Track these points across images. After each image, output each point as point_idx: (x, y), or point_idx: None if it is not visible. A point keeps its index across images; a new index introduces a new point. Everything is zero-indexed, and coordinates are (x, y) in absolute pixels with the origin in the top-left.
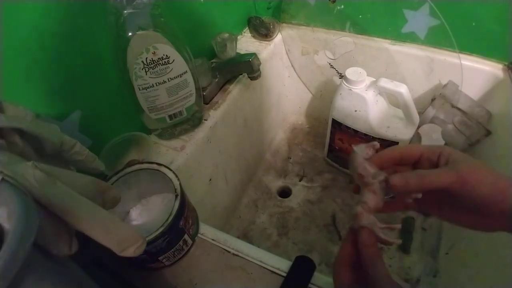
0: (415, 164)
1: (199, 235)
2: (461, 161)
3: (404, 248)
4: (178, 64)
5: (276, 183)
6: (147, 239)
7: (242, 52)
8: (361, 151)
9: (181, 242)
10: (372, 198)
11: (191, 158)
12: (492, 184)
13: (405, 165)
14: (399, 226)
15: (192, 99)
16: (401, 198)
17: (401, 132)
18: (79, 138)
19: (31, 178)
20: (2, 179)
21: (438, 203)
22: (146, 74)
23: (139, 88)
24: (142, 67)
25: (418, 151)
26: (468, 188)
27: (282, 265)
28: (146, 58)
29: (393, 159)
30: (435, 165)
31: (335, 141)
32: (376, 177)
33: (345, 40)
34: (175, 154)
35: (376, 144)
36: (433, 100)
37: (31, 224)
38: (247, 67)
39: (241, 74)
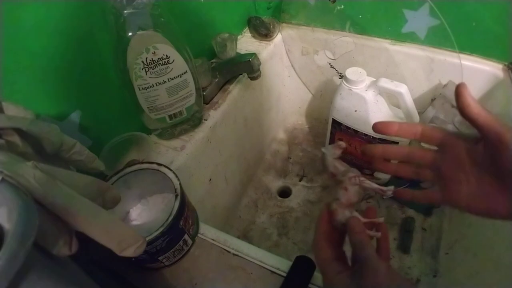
0: None
1: (199, 235)
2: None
3: (404, 248)
4: (178, 64)
5: (276, 183)
6: (147, 239)
7: (242, 52)
8: (329, 151)
9: (181, 242)
10: (343, 194)
11: (191, 158)
12: None
13: None
14: (381, 219)
15: (192, 99)
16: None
17: None
18: (79, 138)
19: (31, 178)
20: (2, 179)
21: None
22: (146, 74)
23: (139, 88)
24: (142, 67)
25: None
26: (504, 145)
27: (282, 265)
28: (146, 58)
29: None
30: None
31: (335, 141)
32: (345, 174)
33: (345, 40)
34: (175, 154)
35: (342, 144)
36: (433, 100)
37: (31, 224)
38: (247, 67)
39: (241, 74)
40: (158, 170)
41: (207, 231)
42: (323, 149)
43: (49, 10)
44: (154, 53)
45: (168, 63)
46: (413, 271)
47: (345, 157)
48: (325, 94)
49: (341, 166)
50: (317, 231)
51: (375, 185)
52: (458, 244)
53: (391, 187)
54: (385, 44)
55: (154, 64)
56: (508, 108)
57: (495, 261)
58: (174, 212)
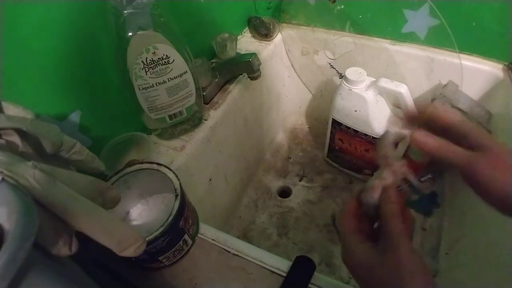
0: (442, 131)
1: (199, 235)
2: (489, 153)
3: None
4: (178, 64)
5: (276, 183)
6: (147, 239)
7: (242, 52)
8: (392, 134)
9: (181, 242)
10: (390, 177)
11: (191, 158)
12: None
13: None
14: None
15: (192, 99)
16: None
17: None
18: (79, 138)
19: (31, 178)
20: (2, 179)
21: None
22: (146, 74)
23: (139, 88)
24: (142, 67)
25: (450, 121)
26: (477, 181)
27: (282, 265)
28: (146, 58)
29: (421, 118)
30: (458, 142)
31: (335, 141)
32: (397, 159)
33: (345, 40)
34: (175, 154)
35: (406, 132)
36: (433, 100)
37: (31, 224)
38: (247, 67)
39: (241, 74)
40: (158, 170)
41: (207, 231)
42: (387, 130)
43: (49, 10)
44: (154, 53)
45: (168, 63)
46: None
47: (344, 157)
48: (325, 94)
49: (396, 152)
50: (345, 207)
51: (417, 183)
52: (458, 244)
53: (428, 190)
54: (385, 44)
55: (154, 64)
56: (508, 108)
57: (495, 261)
58: (174, 212)
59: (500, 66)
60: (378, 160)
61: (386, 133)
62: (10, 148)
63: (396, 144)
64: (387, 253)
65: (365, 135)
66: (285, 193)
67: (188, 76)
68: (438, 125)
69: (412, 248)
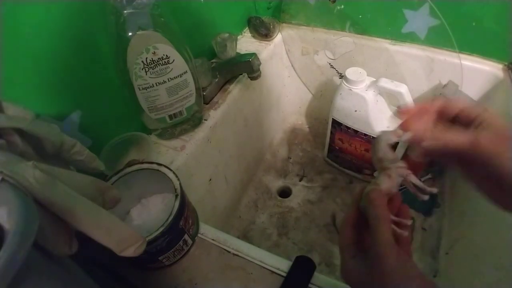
0: (453, 119)
1: (199, 235)
2: (489, 127)
3: None
4: (178, 64)
5: (276, 183)
6: (147, 239)
7: (242, 52)
8: (386, 136)
9: (181, 242)
10: (386, 182)
11: (191, 158)
12: None
13: (445, 119)
14: (410, 222)
15: (192, 99)
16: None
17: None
18: (79, 138)
19: (31, 178)
20: (2, 179)
21: (464, 164)
22: (146, 74)
23: (139, 88)
24: (142, 67)
25: (457, 107)
26: (483, 158)
27: (282, 265)
28: (146, 58)
29: (433, 112)
30: (470, 125)
31: (335, 141)
32: (393, 162)
33: (345, 40)
34: (175, 154)
35: (400, 132)
36: (433, 100)
37: (31, 224)
38: (247, 67)
39: (241, 74)
40: (158, 170)
41: (207, 231)
42: (380, 132)
43: (49, 10)
44: (154, 53)
45: (168, 63)
46: None
47: (344, 157)
48: (325, 94)
49: (391, 154)
50: (346, 214)
51: (420, 182)
52: (458, 244)
53: (435, 189)
54: (385, 44)
55: (154, 64)
56: (508, 108)
57: (495, 261)
58: (174, 212)
59: (500, 66)
60: (374, 165)
61: (379, 136)
62: (10, 148)
63: (393, 146)
64: (374, 265)
65: (365, 135)
66: (285, 193)
67: (188, 76)
68: (449, 116)
69: (399, 256)
